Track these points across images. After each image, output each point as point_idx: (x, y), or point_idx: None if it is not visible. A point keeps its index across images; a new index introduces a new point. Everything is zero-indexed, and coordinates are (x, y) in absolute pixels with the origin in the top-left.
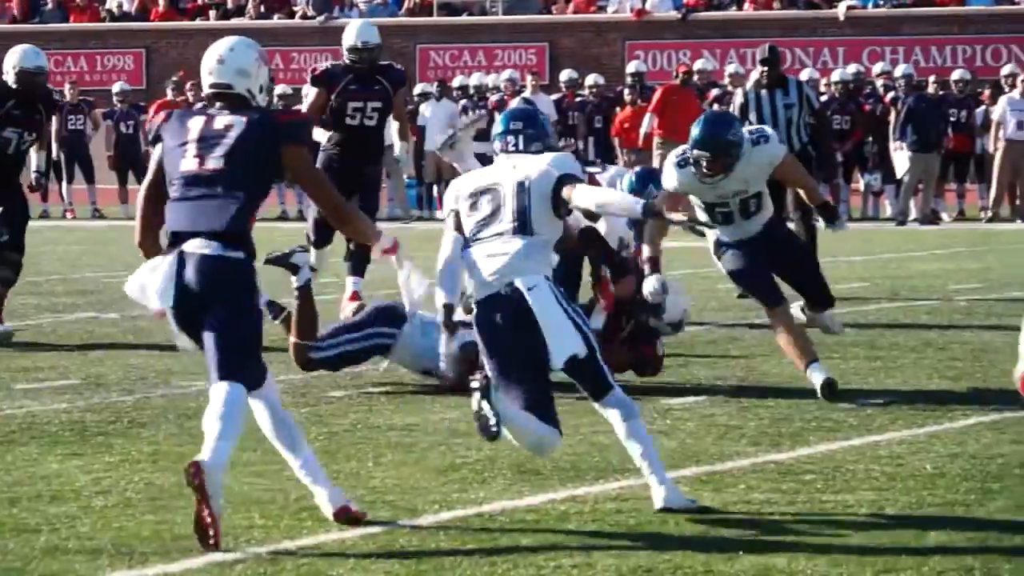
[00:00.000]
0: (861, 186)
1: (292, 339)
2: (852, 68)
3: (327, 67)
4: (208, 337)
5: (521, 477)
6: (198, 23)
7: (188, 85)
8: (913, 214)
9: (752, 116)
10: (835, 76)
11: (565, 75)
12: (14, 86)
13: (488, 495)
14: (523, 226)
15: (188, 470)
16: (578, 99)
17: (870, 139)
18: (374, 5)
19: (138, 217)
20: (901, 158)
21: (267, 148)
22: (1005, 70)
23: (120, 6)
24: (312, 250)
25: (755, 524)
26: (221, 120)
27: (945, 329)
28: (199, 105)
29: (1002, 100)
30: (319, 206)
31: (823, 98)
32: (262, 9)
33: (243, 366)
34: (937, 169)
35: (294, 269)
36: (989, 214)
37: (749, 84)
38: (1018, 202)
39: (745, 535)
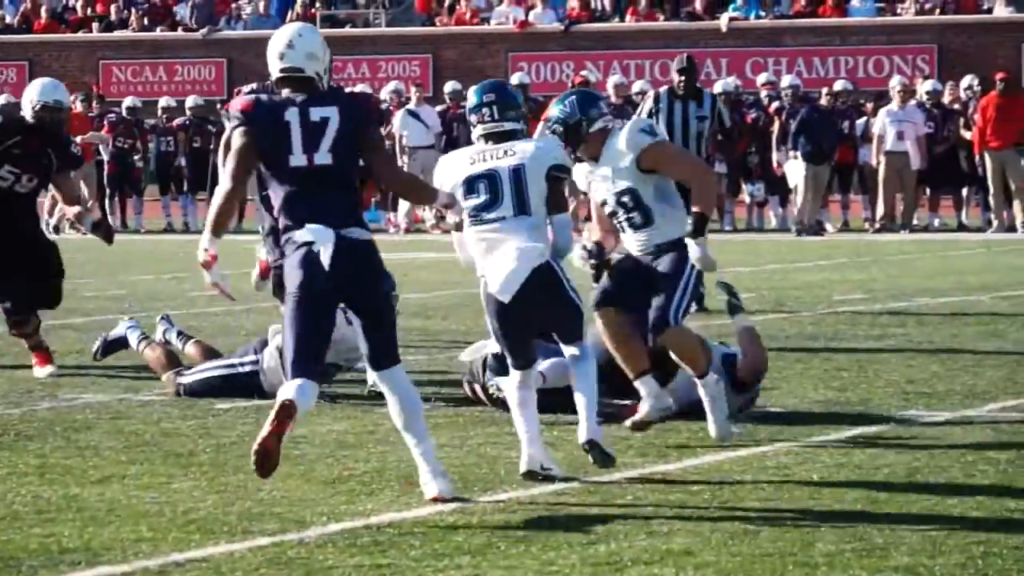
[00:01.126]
0: (745, 197)
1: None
2: (732, 80)
3: (251, 90)
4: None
5: (409, 489)
6: (81, 35)
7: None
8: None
9: (661, 125)
10: (717, 87)
11: (449, 87)
12: (31, 121)
13: (376, 507)
14: (523, 207)
15: None
16: (461, 111)
17: (752, 149)
18: (257, 17)
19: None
20: (794, 168)
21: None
22: (893, 82)
23: (3, 18)
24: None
25: (644, 534)
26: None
27: (830, 339)
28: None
29: (881, 113)
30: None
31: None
32: (145, 22)
33: None
34: (825, 180)
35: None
36: (877, 225)
37: (661, 91)
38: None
39: (633, 546)
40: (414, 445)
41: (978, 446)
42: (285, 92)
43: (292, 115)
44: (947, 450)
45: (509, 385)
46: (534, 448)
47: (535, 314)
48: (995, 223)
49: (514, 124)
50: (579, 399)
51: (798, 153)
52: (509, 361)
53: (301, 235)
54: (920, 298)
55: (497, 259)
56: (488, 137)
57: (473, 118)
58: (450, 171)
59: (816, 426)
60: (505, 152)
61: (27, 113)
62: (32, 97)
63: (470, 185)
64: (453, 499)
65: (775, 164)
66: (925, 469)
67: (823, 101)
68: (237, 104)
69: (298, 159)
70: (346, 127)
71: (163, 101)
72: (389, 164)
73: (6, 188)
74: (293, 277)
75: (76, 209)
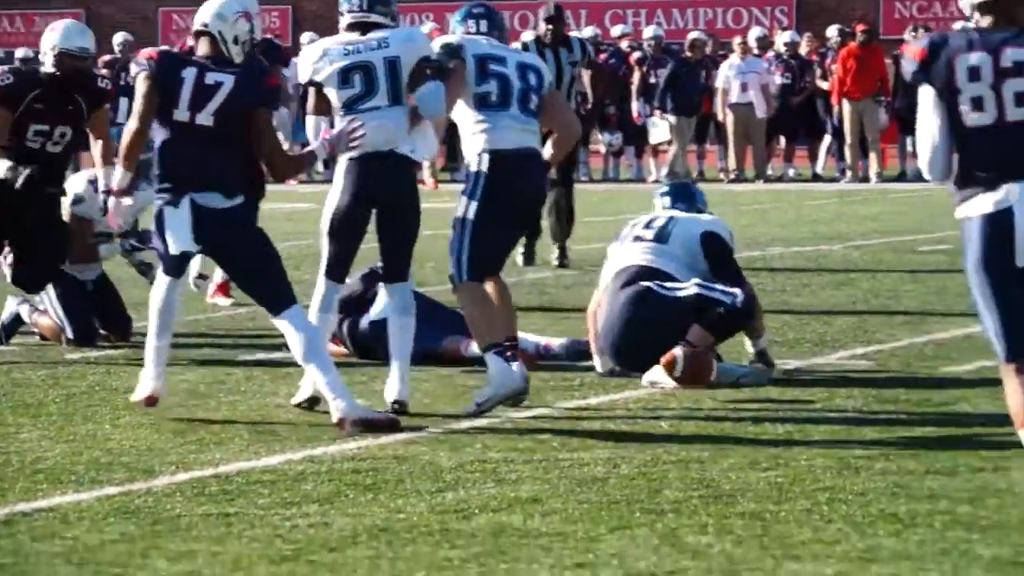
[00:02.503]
0: (601, 147)
1: None
2: (589, 30)
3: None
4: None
5: (258, 438)
6: None
7: None
8: (657, 175)
9: None
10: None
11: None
12: (51, 70)
13: (225, 456)
14: (397, 98)
15: None
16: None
17: (608, 101)
18: None
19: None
20: (660, 127)
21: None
22: (754, 32)
23: None
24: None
25: (492, 482)
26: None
27: None
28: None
29: (723, 66)
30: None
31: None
32: None
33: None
34: (691, 132)
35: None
36: (731, 176)
37: (529, 39)
38: (756, 163)
39: (482, 494)
40: (320, 376)
41: (826, 394)
42: (200, 49)
43: (188, 73)
44: (796, 397)
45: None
46: (399, 383)
47: (385, 210)
48: (849, 173)
49: (381, 17)
50: (395, 354)
51: (667, 114)
52: (325, 270)
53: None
54: (773, 248)
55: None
56: (355, 27)
57: (344, 7)
58: (318, 63)
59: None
60: (379, 44)
61: (47, 61)
62: (53, 42)
63: (344, 76)
64: (358, 421)
65: (635, 114)
66: (773, 416)
67: (688, 53)
68: (146, 52)
69: (182, 114)
70: (235, 98)
71: (20, 52)
72: (280, 152)
73: (37, 149)
74: (166, 238)
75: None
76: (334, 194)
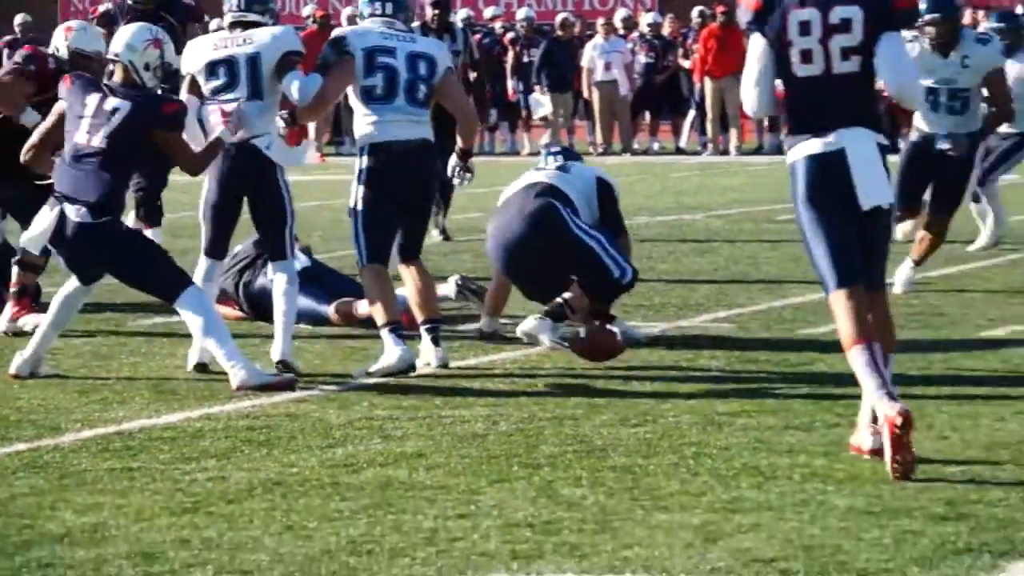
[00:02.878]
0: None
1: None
2: (463, 12)
3: (107, 9)
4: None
5: (159, 397)
6: None
7: None
8: (531, 148)
9: None
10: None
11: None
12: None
13: (128, 414)
14: (257, 92)
15: None
16: None
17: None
18: None
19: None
20: (539, 99)
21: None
22: (619, 14)
23: None
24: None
25: (379, 439)
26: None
27: None
28: None
29: (588, 47)
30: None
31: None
32: None
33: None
34: (569, 108)
35: None
36: (600, 149)
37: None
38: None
39: (369, 449)
40: (218, 350)
41: (691, 355)
42: (116, 75)
43: (92, 100)
44: (662, 358)
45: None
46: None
47: (249, 199)
48: (710, 147)
49: (258, 16)
50: (279, 317)
51: (546, 89)
52: (205, 249)
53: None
54: (639, 217)
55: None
56: (235, 25)
57: (225, 6)
58: (195, 55)
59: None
60: (244, 40)
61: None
62: (70, 41)
63: (211, 69)
64: (257, 387)
65: (510, 92)
66: (642, 376)
67: (560, 32)
68: (64, 79)
69: (81, 137)
70: (131, 123)
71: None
72: (187, 158)
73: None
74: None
75: None
76: (206, 183)
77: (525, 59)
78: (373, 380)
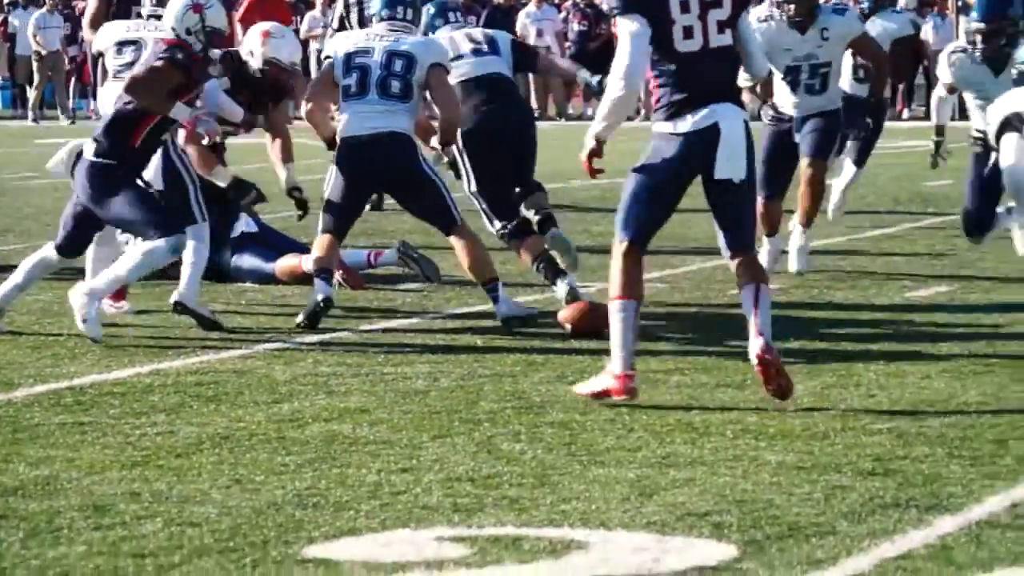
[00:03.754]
0: None
1: None
2: None
3: None
4: None
5: (109, 353)
6: None
7: None
8: None
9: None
10: None
11: None
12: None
13: (79, 369)
14: None
15: None
16: None
17: None
18: None
19: None
20: None
21: None
22: None
23: None
24: None
25: (323, 394)
26: None
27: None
28: None
29: (521, 14)
30: None
31: None
32: None
33: None
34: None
35: None
36: (536, 114)
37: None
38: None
39: (314, 405)
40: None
41: None
42: None
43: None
44: None
45: None
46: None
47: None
48: (643, 112)
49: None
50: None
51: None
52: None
53: None
54: (575, 181)
55: None
56: (150, 17)
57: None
58: (109, 36)
59: (482, 295)
60: (156, 27)
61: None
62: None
63: (120, 47)
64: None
65: None
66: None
67: (500, 0)
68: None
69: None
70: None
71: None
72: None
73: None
74: None
75: None
76: None
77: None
78: (317, 336)
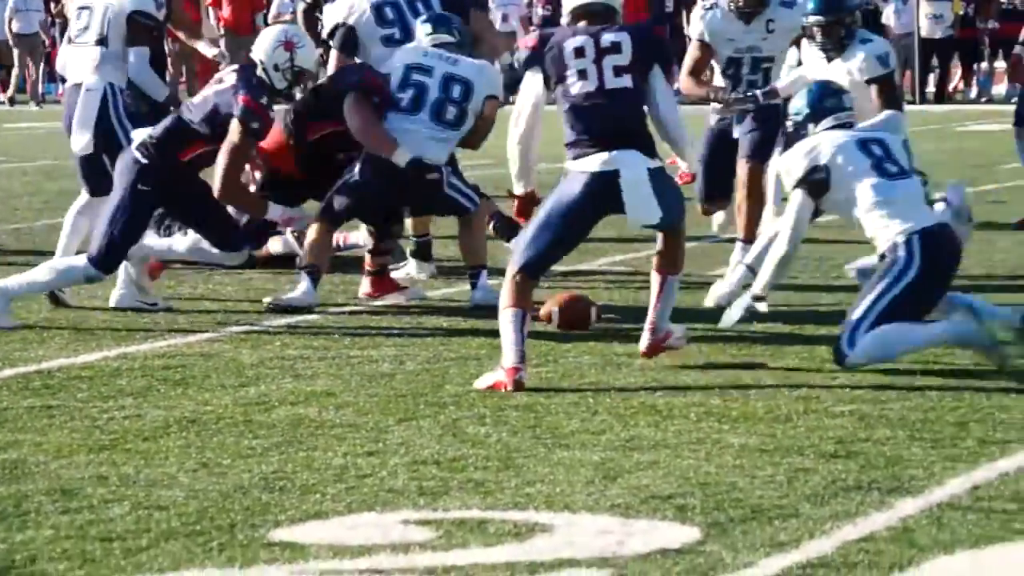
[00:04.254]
0: None
1: None
2: None
3: None
4: None
5: (77, 337)
6: None
7: None
8: None
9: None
10: None
11: None
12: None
13: (47, 353)
14: (102, 41)
15: None
16: None
17: None
18: None
19: None
20: None
21: None
22: None
23: None
24: None
25: (290, 378)
26: None
27: None
28: None
29: None
30: None
31: None
32: None
33: None
34: None
35: None
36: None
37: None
38: None
39: (281, 388)
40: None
41: (590, 296)
42: None
43: None
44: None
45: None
46: None
47: None
48: None
49: None
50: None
51: None
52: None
53: None
54: (540, 164)
55: None
56: None
57: None
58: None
59: (442, 281)
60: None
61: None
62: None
63: (79, 12)
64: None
65: None
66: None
67: None
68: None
69: None
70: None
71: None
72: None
73: None
74: None
75: None
76: None
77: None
78: (284, 320)
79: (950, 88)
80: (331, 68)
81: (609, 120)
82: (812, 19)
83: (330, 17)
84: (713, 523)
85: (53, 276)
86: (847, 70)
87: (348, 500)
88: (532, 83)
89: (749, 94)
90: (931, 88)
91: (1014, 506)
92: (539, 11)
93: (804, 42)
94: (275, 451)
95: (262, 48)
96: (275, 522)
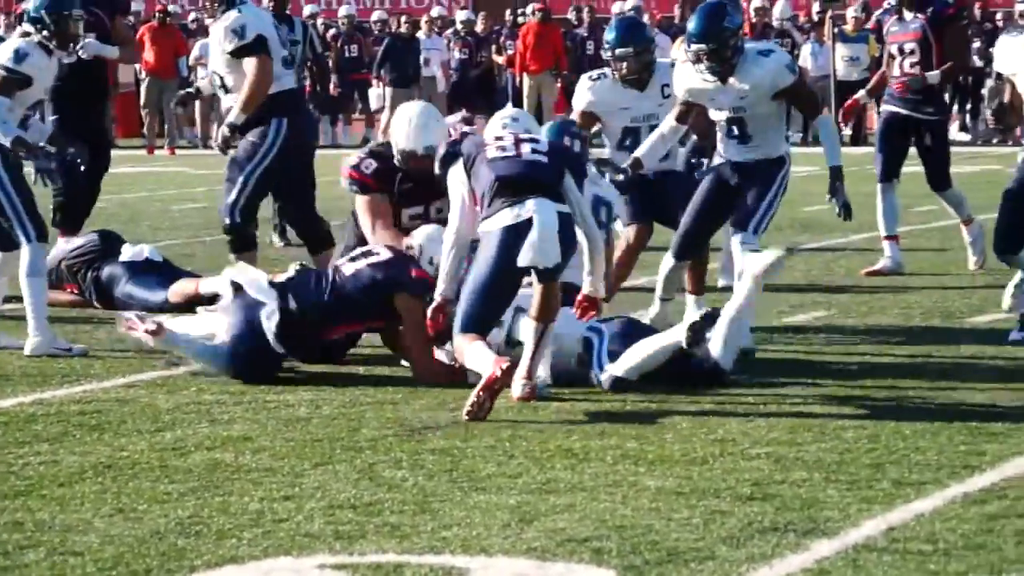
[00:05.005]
0: None
1: None
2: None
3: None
4: None
5: None
6: None
7: None
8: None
9: None
10: None
11: None
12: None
13: None
14: None
15: None
16: None
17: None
18: None
19: None
20: (376, 94)
21: None
22: (434, 11)
23: None
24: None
25: (206, 423)
26: None
27: None
28: None
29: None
30: None
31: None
32: None
33: None
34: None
35: None
36: None
37: None
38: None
39: (197, 433)
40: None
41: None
42: None
43: None
44: None
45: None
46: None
47: None
48: None
49: None
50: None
51: (384, 84)
52: None
53: None
54: None
55: None
56: None
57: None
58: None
59: None
60: None
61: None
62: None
63: None
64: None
65: (332, 87)
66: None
67: (402, 29)
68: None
69: None
70: None
71: None
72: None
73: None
74: None
75: None
76: None
77: (346, 55)
78: (200, 366)
79: (866, 130)
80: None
81: (524, 177)
82: (695, 47)
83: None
84: (629, 566)
85: None
86: (749, 86)
87: (264, 545)
88: (457, 178)
89: (623, 167)
90: (847, 131)
91: (929, 547)
92: (456, 54)
93: (678, 66)
94: (191, 496)
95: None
96: (191, 567)
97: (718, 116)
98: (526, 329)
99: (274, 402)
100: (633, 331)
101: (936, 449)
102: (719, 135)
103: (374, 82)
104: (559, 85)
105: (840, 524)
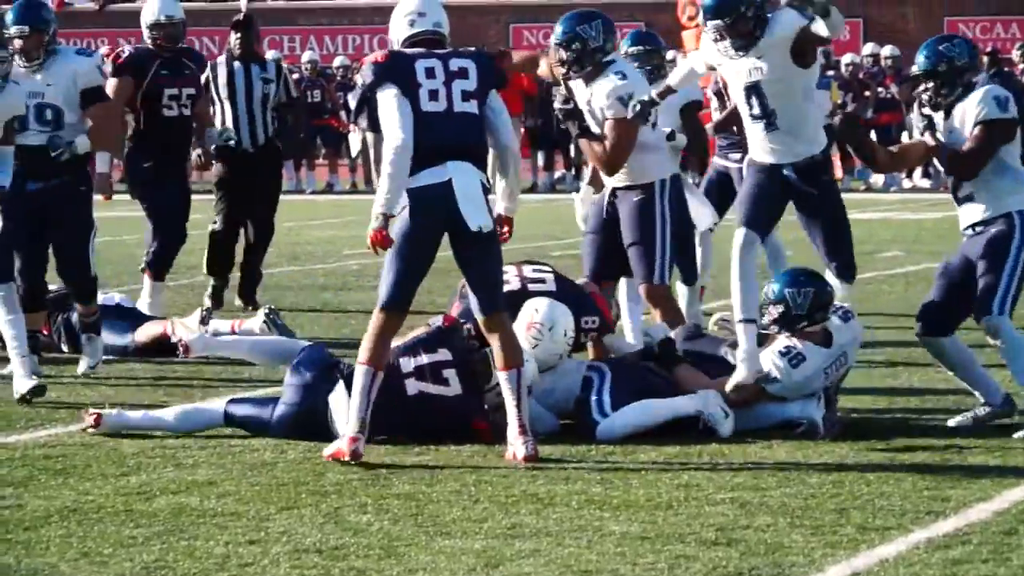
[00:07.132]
0: None
1: None
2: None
3: (131, 52)
4: None
5: None
6: None
7: None
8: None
9: (224, 91)
10: None
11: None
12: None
13: None
14: None
15: None
16: None
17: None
18: None
19: None
20: (356, 139)
21: None
22: None
23: None
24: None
25: (171, 467)
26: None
27: (339, 290)
28: None
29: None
30: None
31: None
32: None
33: None
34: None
35: None
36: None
37: (221, 58)
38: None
39: (162, 477)
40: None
41: None
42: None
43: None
44: None
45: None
46: None
47: None
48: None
49: None
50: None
51: (360, 129)
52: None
53: None
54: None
55: None
56: None
57: None
58: None
59: None
60: None
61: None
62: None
63: None
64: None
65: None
66: None
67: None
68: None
69: None
70: None
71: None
72: None
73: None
74: None
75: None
76: None
77: (309, 99)
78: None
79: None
80: None
81: (452, 142)
82: (712, 23)
83: None
84: None
85: None
86: (762, 41)
87: None
88: (389, 94)
89: (645, 99)
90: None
91: None
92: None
93: (706, 44)
94: (156, 540)
95: None
96: None
97: (736, 86)
98: (501, 384)
99: (239, 446)
100: (642, 386)
101: (900, 494)
102: (747, 130)
103: (352, 128)
104: (523, 130)
105: (805, 570)
